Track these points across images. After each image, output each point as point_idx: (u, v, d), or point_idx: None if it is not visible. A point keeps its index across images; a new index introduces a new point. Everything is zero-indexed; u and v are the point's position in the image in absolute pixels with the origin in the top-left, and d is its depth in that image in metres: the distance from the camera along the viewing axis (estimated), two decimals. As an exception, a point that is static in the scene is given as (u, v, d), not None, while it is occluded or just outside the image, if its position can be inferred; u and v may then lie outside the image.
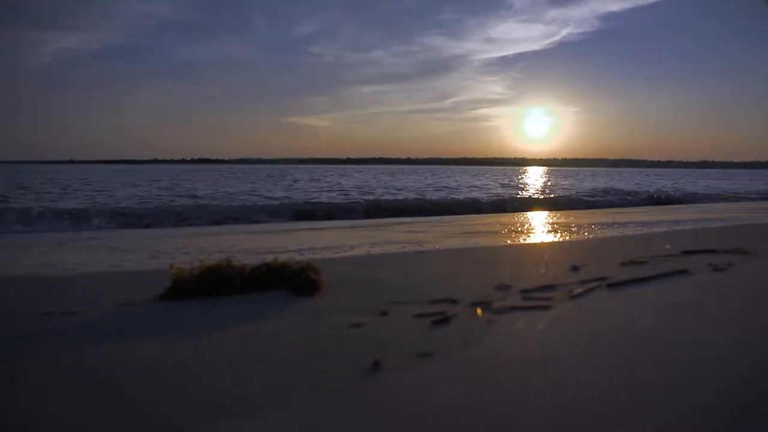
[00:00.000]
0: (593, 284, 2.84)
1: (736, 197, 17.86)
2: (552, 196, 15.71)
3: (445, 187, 24.12)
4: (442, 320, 2.17)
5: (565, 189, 21.93)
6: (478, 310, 2.31)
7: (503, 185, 26.21)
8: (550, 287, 2.79)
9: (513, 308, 2.37)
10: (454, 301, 2.49)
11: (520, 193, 19.25)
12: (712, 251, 3.90)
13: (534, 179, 36.35)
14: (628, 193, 17.30)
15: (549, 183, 29.49)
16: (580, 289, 2.72)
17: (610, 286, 2.85)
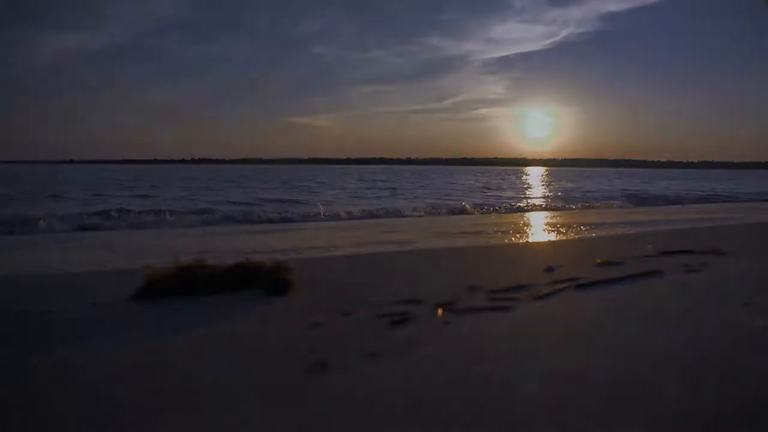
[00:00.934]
0: (562, 285, 2.87)
1: (747, 197, 17.82)
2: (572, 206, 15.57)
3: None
4: (401, 321, 2.21)
5: (569, 191, 21.84)
6: (439, 311, 2.35)
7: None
8: (519, 288, 2.82)
9: (474, 309, 2.40)
10: (419, 302, 2.52)
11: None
12: (690, 252, 3.92)
13: (550, 180, 35.63)
14: (630, 195, 17.23)
15: (570, 186, 28.79)
16: (547, 290, 2.76)
17: (579, 286, 2.88)
